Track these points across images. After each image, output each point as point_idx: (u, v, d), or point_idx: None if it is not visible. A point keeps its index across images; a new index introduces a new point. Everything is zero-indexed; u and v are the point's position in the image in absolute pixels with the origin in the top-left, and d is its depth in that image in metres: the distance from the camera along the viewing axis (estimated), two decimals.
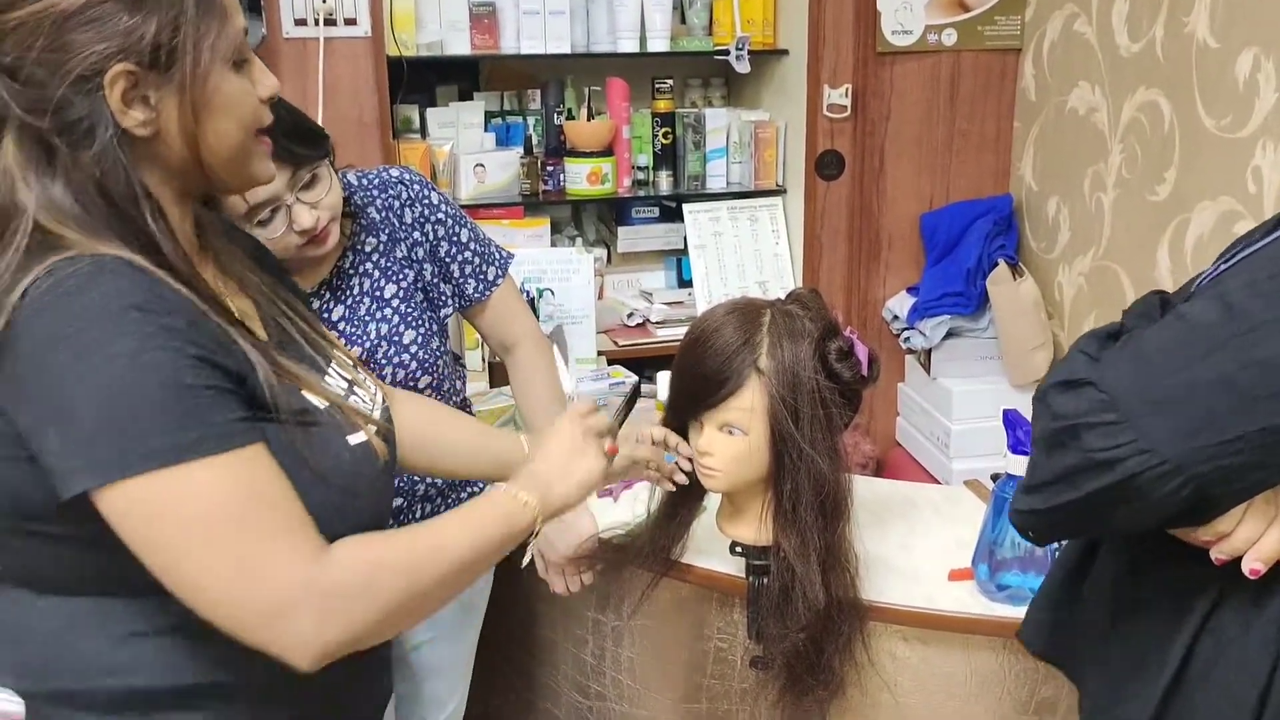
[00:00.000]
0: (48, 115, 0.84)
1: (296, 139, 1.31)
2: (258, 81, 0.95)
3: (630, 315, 2.84)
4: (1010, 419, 1.51)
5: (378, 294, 1.49)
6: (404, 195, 1.52)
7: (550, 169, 2.76)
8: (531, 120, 2.83)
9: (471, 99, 2.82)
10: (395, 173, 1.55)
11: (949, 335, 2.68)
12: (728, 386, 1.35)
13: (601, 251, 2.94)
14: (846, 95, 2.71)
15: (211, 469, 0.81)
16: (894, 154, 2.82)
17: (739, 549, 1.49)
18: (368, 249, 1.48)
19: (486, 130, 2.77)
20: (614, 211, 2.98)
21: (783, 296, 1.50)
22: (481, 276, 1.58)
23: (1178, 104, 2.18)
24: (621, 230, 2.95)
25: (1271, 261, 0.75)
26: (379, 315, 1.48)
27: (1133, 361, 0.78)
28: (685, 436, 1.44)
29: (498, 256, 1.61)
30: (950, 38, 2.76)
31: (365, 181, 1.53)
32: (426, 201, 1.53)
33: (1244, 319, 0.73)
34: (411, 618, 0.92)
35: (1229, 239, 0.80)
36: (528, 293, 2.43)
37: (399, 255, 1.51)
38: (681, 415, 1.42)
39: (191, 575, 0.81)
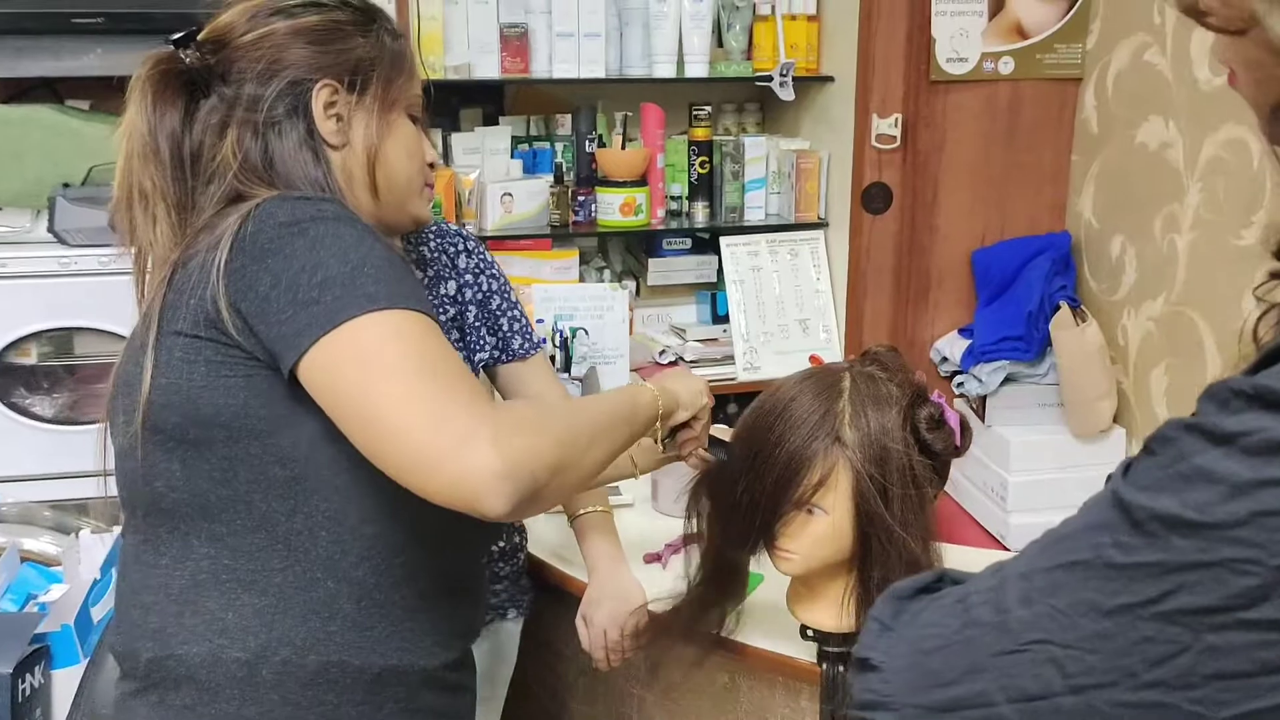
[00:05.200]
0: (262, 111, 1.03)
1: None
2: (425, 147, 1.17)
3: (662, 353, 2.70)
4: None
5: None
6: (460, 246, 1.49)
7: (581, 199, 2.63)
8: (560, 146, 2.70)
9: (497, 123, 2.69)
10: (453, 227, 1.51)
11: (1006, 381, 2.54)
12: (814, 470, 1.20)
13: (630, 284, 2.80)
14: (896, 125, 2.58)
15: (416, 320, 0.92)
16: (946, 187, 2.68)
17: (811, 633, 1.35)
18: None
19: (513, 157, 2.64)
20: (644, 243, 2.84)
21: (857, 358, 1.36)
22: (528, 335, 1.54)
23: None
24: (652, 262, 2.81)
25: (1053, 547, 0.60)
26: None
27: (912, 653, 0.64)
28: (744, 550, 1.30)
29: (535, 332, 1.59)
30: (1007, 66, 2.62)
31: None
32: (483, 257, 1.50)
33: (1007, 635, 0.59)
34: (571, 471, 0.95)
35: None
36: (561, 333, 2.30)
37: (444, 292, 1.46)
38: (760, 516, 1.24)
39: (389, 413, 0.87)
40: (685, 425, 1.27)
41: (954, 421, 1.31)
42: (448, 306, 1.46)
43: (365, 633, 0.98)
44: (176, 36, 1.03)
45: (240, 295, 0.93)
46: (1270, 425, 0.52)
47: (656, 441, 1.25)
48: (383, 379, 0.88)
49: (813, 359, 1.42)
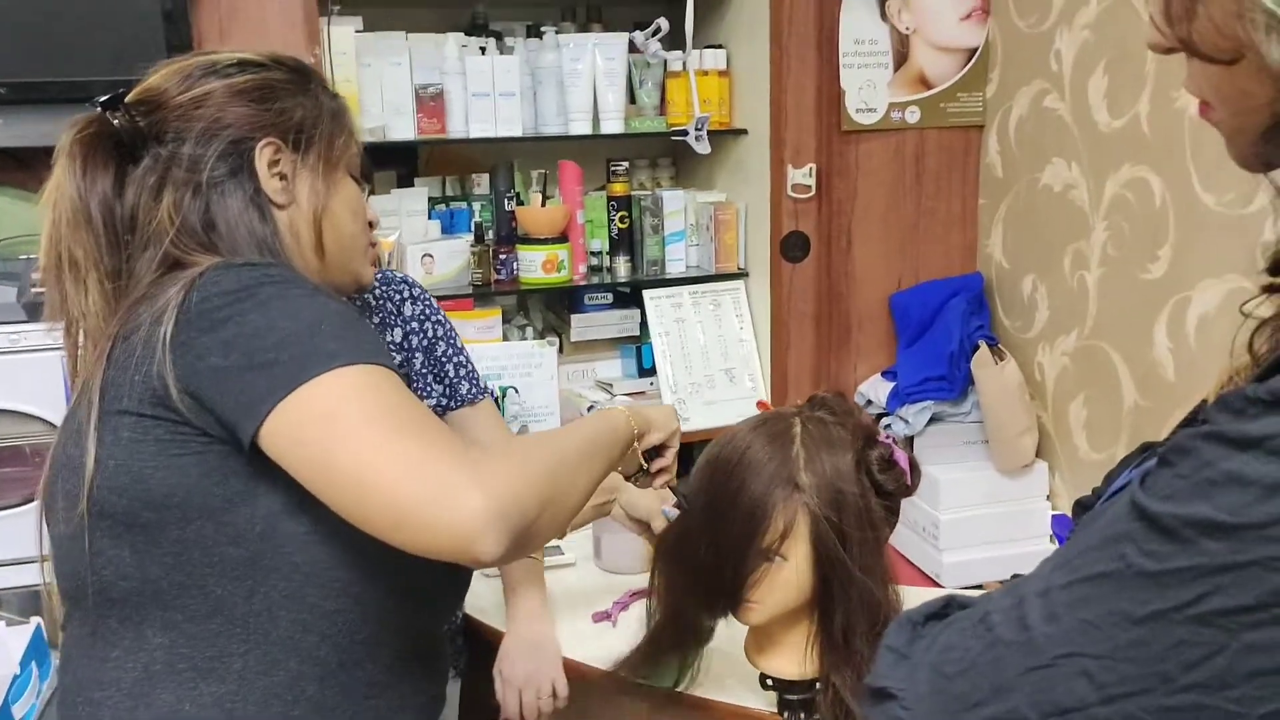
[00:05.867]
0: (204, 171, 0.99)
1: None
2: (366, 208, 1.15)
3: (590, 408, 2.68)
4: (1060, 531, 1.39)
5: None
6: (405, 294, 1.48)
7: (503, 257, 2.61)
8: (478, 206, 2.69)
9: (412, 185, 2.66)
10: (399, 275, 1.50)
11: (931, 420, 2.58)
12: (777, 518, 1.20)
13: (554, 341, 2.79)
14: (811, 175, 2.63)
15: (380, 375, 0.89)
16: (861, 234, 2.74)
17: (771, 682, 1.33)
18: None
19: (430, 218, 2.62)
20: (564, 299, 2.83)
21: (805, 404, 1.36)
22: (474, 381, 1.54)
23: (1170, 180, 2.12)
24: (575, 318, 2.80)
25: (1070, 563, 0.60)
26: None
27: (933, 678, 0.65)
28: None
29: (481, 377, 1.59)
30: (914, 115, 2.70)
31: None
32: (428, 303, 1.50)
33: (1035, 652, 0.59)
34: (559, 503, 0.93)
35: (1238, 318, 0.68)
36: (491, 392, 2.26)
37: (389, 340, 1.46)
38: (728, 570, 1.23)
39: (366, 470, 0.83)
40: (659, 454, 1.27)
41: (903, 461, 1.32)
42: (394, 354, 1.45)
43: (329, 713, 0.94)
44: (104, 99, 0.99)
45: (189, 370, 0.88)
46: None
47: (641, 470, 1.24)
48: (354, 436, 0.83)
49: (760, 405, 1.42)
